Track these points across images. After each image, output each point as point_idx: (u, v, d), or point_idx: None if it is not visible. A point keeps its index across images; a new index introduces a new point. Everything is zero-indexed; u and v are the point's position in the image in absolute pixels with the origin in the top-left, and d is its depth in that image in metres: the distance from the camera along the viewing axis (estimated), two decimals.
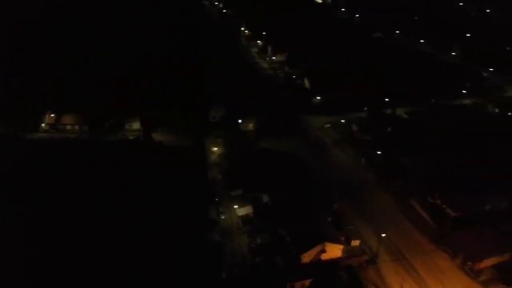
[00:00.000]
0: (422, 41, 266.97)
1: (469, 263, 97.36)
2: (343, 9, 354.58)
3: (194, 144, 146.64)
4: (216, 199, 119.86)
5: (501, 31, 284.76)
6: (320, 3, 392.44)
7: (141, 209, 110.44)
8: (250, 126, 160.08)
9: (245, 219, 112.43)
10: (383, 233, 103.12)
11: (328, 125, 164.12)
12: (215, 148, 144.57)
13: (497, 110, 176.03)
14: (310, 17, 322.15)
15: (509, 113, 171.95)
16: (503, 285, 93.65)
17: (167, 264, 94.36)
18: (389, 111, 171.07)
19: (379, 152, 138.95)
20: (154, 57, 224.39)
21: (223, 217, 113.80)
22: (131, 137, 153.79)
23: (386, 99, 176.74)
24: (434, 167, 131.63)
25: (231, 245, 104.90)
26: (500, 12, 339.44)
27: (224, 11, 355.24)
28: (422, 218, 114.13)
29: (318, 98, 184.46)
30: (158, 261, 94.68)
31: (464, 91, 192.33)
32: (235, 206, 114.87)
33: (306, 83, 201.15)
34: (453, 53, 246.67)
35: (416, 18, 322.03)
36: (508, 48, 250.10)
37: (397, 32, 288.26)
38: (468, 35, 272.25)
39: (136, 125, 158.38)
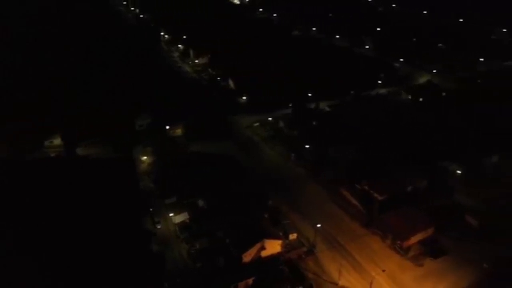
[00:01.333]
0: (337, 36, 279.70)
1: (398, 241, 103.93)
2: (261, 9, 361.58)
3: (121, 155, 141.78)
4: (150, 209, 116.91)
5: (407, 24, 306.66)
6: (238, 4, 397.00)
7: (71, 229, 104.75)
8: (179, 131, 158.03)
9: (182, 226, 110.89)
10: (318, 224, 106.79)
11: (257, 124, 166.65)
12: (145, 157, 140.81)
13: (409, 97, 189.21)
14: (229, 18, 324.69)
15: (420, 99, 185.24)
16: (430, 258, 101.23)
17: (108, 281, 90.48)
18: (313, 105, 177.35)
19: (307, 146, 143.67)
20: (68, 68, 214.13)
21: (159, 227, 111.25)
22: (52, 154, 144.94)
23: (309, 94, 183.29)
24: (359, 155, 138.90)
25: (171, 254, 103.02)
26: (405, 6, 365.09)
27: (141, 16, 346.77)
28: (353, 205, 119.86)
29: (244, 98, 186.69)
30: (99, 279, 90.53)
31: (379, 82, 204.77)
32: (171, 214, 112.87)
33: (231, 84, 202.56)
34: (367, 47, 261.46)
35: (330, 15, 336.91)
36: (414, 39, 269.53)
37: (314, 29, 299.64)
38: (378, 29, 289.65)
39: (57, 141, 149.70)
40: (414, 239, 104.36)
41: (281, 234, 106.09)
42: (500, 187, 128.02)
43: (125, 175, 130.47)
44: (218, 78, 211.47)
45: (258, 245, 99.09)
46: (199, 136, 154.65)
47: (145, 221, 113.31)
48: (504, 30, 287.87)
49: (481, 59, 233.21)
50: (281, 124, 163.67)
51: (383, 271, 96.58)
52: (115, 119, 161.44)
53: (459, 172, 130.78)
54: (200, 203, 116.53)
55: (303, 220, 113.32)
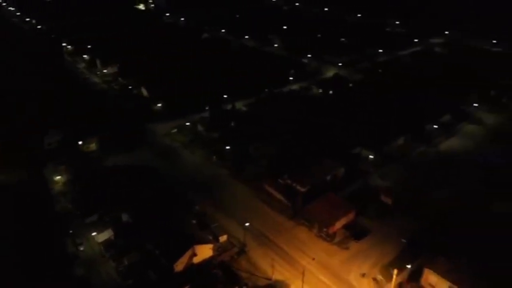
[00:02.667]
0: (246, 37, 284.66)
1: (324, 229, 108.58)
2: (167, 14, 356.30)
3: (32, 178, 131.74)
4: (70, 231, 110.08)
5: (310, 22, 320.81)
6: (143, 10, 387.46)
7: None
8: (93, 146, 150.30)
9: (107, 244, 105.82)
10: (246, 223, 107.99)
11: (174, 130, 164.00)
12: (58, 177, 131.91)
13: (320, 91, 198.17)
14: (135, 24, 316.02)
15: (330, 92, 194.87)
16: (354, 240, 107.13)
17: None
18: (229, 106, 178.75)
19: (227, 147, 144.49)
20: None
21: (82, 249, 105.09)
22: None
23: (225, 96, 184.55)
24: (279, 150, 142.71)
25: (98, 275, 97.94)
26: (307, 5, 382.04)
27: (39, 27, 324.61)
28: (277, 199, 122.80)
29: (159, 105, 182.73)
30: None
31: (290, 78, 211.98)
32: (93, 234, 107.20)
33: (144, 91, 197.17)
34: (275, 45, 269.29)
35: (237, 16, 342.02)
36: (319, 36, 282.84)
37: (223, 31, 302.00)
38: (284, 27, 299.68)
39: None
40: (338, 225, 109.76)
41: (211, 237, 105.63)
42: (407, 166, 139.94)
43: (37, 199, 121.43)
44: (130, 87, 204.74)
45: (188, 252, 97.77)
46: (115, 148, 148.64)
47: (65, 244, 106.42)
48: (397, 22, 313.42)
49: (380, 50, 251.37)
50: (200, 127, 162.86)
51: (313, 259, 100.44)
52: (20, 140, 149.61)
53: (371, 157, 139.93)
54: (124, 217, 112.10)
55: (231, 221, 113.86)
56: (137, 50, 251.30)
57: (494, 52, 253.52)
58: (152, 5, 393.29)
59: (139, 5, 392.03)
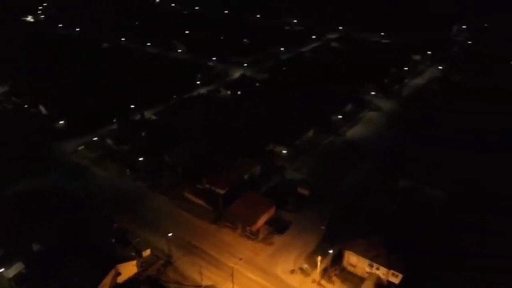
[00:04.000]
0: (149, 44, 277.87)
1: (247, 228, 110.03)
2: (60, 25, 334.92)
3: None
4: None
5: (211, 25, 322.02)
6: (32, 21, 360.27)
7: None
8: None
9: (18, 278, 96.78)
10: (169, 233, 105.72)
11: (82, 147, 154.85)
12: None
13: (229, 92, 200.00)
14: (25, 37, 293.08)
15: (238, 92, 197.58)
16: (277, 235, 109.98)
17: None
18: (138, 116, 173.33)
19: (141, 159, 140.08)
20: None
21: None
22: None
23: (132, 106, 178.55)
24: (195, 155, 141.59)
25: None
26: (207, 8, 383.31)
27: None
28: (198, 205, 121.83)
29: (61, 122, 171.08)
30: None
31: (198, 82, 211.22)
32: (1, 270, 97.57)
33: (43, 109, 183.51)
34: (179, 50, 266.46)
35: (137, 23, 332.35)
36: (222, 38, 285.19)
37: (123, 39, 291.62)
38: (187, 32, 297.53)
39: None
40: (260, 222, 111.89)
41: (133, 254, 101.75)
42: (318, 156, 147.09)
43: None
44: (26, 106, 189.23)
45: (111, 273, 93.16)
46: (16, 174, 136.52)
47: None
48: (295, 20, 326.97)
49: (282, 49, 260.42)
50: (109, 141, 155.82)
51: (240, 259, 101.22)
52: None
53: (284, 152, 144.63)
54: (35, 247, 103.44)
55: (154, 234, 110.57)
56: (30, 65, 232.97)
57: (384, 43, 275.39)
58: (42, 16, 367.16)
59: (27, 17, 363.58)
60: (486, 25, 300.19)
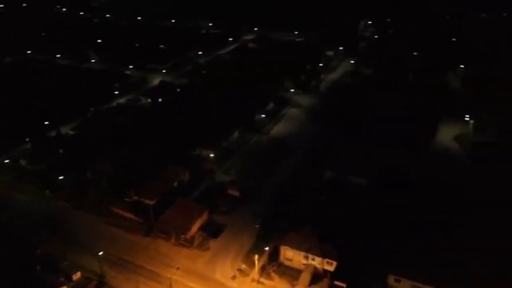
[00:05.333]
0: (59, 55, 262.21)
1: (181, 236, 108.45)
2: None
3: None
4: None
5: (125, 32, 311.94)
6: None
7: None
8: None
9: None
10: (99, 252, 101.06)
11: None
12: None
13: (149, 100, 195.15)
14: None
15: (159, 99, 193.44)
16: (212, 239, 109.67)
17: None
18: (53, 133, 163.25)
19: (61, 177, 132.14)
20: None
21: None
22: None
23: (46, 123, 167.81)
24: (118, 168, 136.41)
25: None
26: (119, 15, 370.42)
27: None
28: (128, 218, 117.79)
29: None
30: None
31: (116, 92, 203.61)
32: None
33: None
34: (93, 60, 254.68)
35: (43, 34, 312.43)
36: (137, 45, 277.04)
37: (29, 52, 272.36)
38: (99, 40, 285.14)
39: None
40: (194, 228, 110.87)
41: (62, 279, 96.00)
42: (246, 156, 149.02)
43: None
44: None
45: None
46: None
47: None
48: (210, 24, 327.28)
49: (200, 52, 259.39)
50: (23, 162, 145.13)
51: (177, 269, 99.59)
52: None
53: (211, 155, 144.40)
54: None
55: (83, 255, 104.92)
56: None
57: (298, 42, 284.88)
58: None
59: None
60: (388, 20, 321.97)
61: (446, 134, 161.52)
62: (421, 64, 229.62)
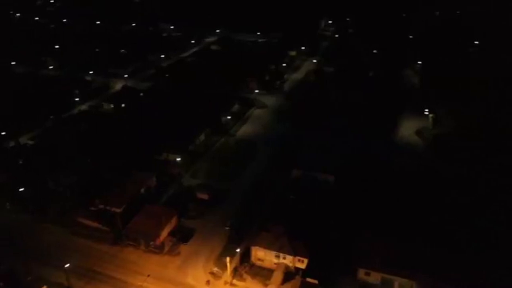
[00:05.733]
0: (14, 63, 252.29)
1: (151, 243, 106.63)
2: None
3: None
4: None
5: (84, 37, 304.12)
6: None
7: None
8: None
9: None
10: (66, 264, 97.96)
11: None
12: None
13: (112, 106, 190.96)
14: None
15: (123, 105, 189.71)
16: (182, 244, 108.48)
17: None
18: (12, 143, 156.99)
19: (21, 189, 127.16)
20: None
21: None
22: None
23: (3, 133, 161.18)
24: (82, 177, 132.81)
25: None
26: (76, 20, 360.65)
27: None
28: (95, 228, 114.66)
29: None
30: None
31: (77, 99, 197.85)
32: None
33: None
34: (51, 67, 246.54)
35: None
36: (97, 50, 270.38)
37: None
38: (57, 46, 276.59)
39: None
40: (163, 234, 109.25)
41: None
42: (213, 159, 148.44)
43: None
44: None
45: None
46: None
47: None
48: (172, 27, 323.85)
49: (162, 56, 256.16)
50: None
51: (148, 276, 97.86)
52: None
53: (178, 159, 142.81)
54: None
55: (49, 268, 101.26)
56: None
57: (261, 42, 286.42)
58: None
59: None
60: (348, 19, 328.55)
61: (408, 128, 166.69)
62: (381, 61, 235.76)
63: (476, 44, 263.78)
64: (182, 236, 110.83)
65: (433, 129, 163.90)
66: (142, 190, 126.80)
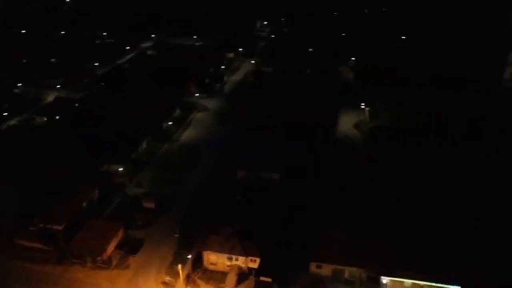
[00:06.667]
0: None
1: (98, 258, 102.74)
2: None
3: None
4: None
5: (8, 46, 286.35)
6: None
7: None
8: None
9: None
10: None
11: None
12: None
13: (45, 119, 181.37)
14: None
15: (57, 117, 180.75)
16: (132, 256, 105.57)
17: None
18: None
19: None
20: None
21: None
22: None
23: None
24: (20, 196, 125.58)
25: None
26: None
27: None
28: (36, 249, 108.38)
29: None
30: None
31: (5, 114, 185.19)
32: None
33: None
34: None
35: None
36: (24, 61, 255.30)
37: None
38: None
39: None
40: (110, 248, 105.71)
41: None
42: (157, 166, 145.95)
43: None
44: None
45: None
46: None
47: None
48: (104, 33, 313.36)
49: (96, 64, 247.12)
50: None
51: None
52: None
53: (121, 169, 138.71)
54: None
55: None
56: None
57: (198, 46, 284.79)
58: None
59: None
60: (282, 19, 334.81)
61: (346, 123, 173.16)
62: (317, 59, 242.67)
63: (403, 39, 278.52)
64: (130, 248, 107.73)
65: (370, 122, 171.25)
66: (85, 204, 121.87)
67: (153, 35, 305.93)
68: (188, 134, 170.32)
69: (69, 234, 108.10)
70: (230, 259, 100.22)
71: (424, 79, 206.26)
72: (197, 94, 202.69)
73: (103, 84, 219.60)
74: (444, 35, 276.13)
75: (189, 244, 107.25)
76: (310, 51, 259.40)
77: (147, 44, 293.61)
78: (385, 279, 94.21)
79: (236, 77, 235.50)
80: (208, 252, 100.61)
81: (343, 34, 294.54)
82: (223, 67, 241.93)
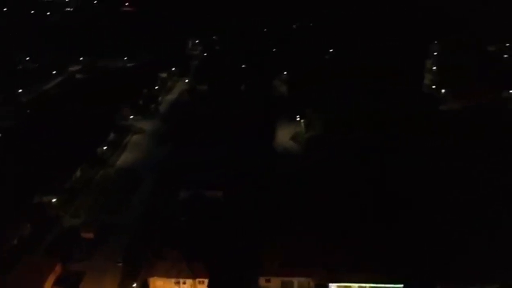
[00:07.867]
0: None
1: None
2: None
3: None
4: None
5: None
6: None
7: None
8: None
9: None
10: None
11: None
12: None
13: None
14: None
15: None
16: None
17: None
18: None
19: None
20: None
21: None
22: None
23: None
24: None
25: None
26: None
27: None
28: None
29: None
30: None
31: None
32: None
33: None
34: None
35: None
36: None
37: None
38: None
39: None
40: (47, 286, 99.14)
41: None
42: (94, 194, 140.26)
43: None
44: None
45: None
46: None
47: None
48: (27, 58, 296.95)
49: (20, 90, 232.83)
50: None
51: None
52: None
53: (54, 200, 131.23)
54: None
55: None
56: None
57: (129, 67, 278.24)
58: None
59: None
60: (214, 37, 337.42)
61: (283, 136, 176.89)
62: (250, 75, 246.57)
63: (331, 52, 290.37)
64: (69, 283, 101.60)
65: (306, 133, 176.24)
66: (15, 241, 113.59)
67: (81, 58, 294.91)
68: (124, 158, 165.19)
69: (1, 275, 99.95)
70: (177, 283, 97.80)
71: (354, 83, 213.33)
72: (131, 116, 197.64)
73: (28, 111, 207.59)
74: (369, 41, 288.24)
75: (133, 272, 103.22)
76: (243, 67, 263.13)
77: (76, 67, 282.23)
78: (333, 286, 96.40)
79: (171, 96, 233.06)
80: (154, 278, 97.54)
81: (274, 50, 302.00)
82: (156, 87, 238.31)
